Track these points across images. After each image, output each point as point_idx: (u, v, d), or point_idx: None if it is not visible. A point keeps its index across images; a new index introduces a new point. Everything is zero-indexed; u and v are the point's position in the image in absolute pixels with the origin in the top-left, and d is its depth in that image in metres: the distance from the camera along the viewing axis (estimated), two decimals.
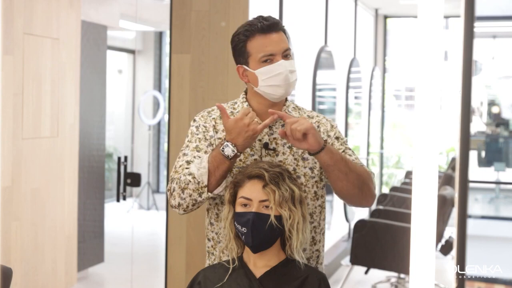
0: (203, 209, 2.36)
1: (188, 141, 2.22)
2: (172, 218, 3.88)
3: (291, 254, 2.04)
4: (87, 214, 5.55)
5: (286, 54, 2.15)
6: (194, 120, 2.26)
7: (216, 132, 2.20)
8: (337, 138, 2.23)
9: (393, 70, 11.38)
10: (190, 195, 2.06)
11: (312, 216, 2.19)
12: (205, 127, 2.22)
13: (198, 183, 2.05)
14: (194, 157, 2.15)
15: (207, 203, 2.26)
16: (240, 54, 2.18)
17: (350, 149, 2.24)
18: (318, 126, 2.22)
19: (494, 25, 9.39)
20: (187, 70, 3.85)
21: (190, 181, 2.05)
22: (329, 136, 2.22)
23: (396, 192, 6.62)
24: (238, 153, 2.04)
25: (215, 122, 2.22)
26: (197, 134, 2.21)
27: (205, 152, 2.16)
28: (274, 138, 2.18)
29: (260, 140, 2.18)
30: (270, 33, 2.14)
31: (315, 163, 2.18)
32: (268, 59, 2.13)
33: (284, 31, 2.19)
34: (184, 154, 2.18)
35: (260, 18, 2.17)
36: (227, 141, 2.03)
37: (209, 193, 2.06)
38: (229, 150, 2.02)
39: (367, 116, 8.39)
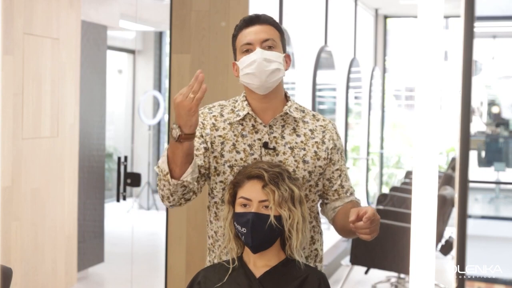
0: (203, 207, 2.36)
1: None
2: (172, 218, 3.88)
3: (291, 254, 2.04)
4: (87, 214, 5.55)
5: (267, 45, 2.14)
6: None
7: (216, 130, 2.20)
8: (341, 153, 2.27)
9: (393, 70, 11.38)
10: (164, 185, 2.07)
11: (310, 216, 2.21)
12: (202, 123, 2.21)
13: (162, 171, 2.04)
14: None
15: (207, 200, 2.26)
16: (233, 50, 2.23)
17: (345, 167, 2.29)
18: (323, 131, 2.23)
19: (494, 25, 9.39)
20: (187, 70, 3.85)
21: (158, 173, 2.07)
22: (335, 145, 2.23)
23: (396, 192, 6.62)
24: (183, 134, 1.96)
25: (215, 120, 2.21)
26: None
27: (197, 149, 2.17)
28: (274, 137, 2.18)
29: (260, 139, 2.17)
30: (253, 25, 2.16)
31: (315, 167, 2.19)
32: (248, 49, 2.15)
33: (273, 25, 2.19)
34: None
35: (249, 15, 2.21)
36: (174, 124, 1.99)
37: (176, 180, 2.03)
38: (175, 132, 1.97)
39: (367, 116, 8.39)
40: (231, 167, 2.16)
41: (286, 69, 2.20)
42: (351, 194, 2.27)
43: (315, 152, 2.19)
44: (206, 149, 2.19)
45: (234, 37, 2.21)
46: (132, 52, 9.60)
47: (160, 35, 9.77)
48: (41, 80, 4.55)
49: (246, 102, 2.21)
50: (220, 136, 2.19)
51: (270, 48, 2.15)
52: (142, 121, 8.79)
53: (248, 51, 2.15)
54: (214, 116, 2.22)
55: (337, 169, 2.24)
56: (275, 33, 2.18)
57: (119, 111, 9.56)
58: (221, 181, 2.18)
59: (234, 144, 2.17)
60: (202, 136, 2.20)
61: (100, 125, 5.72)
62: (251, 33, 2.15)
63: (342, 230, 2.22)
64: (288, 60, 2.22)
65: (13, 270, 2.83)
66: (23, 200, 4.36)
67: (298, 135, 2.19)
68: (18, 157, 4.29)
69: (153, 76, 9.70)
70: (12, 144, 4.22)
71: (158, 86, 9.78)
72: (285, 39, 2.24)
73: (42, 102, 4.56)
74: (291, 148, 2.17)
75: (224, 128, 2.19)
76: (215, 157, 2.18)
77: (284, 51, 2.21)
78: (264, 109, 2.20)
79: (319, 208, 2.33)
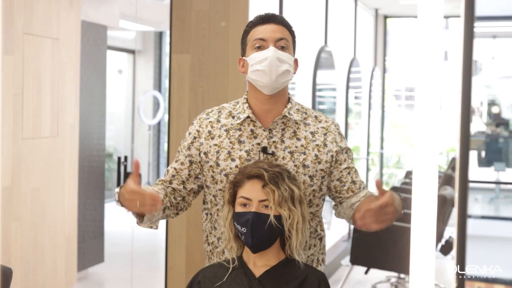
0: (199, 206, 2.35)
1: (180, 145, 2.27)
2: (172, 218, 3.87)
3: (290, 254, 2.04)
4: (87, 214, 5.54)
5: (280, 45, 2.13)
6: (192, 124, 2.26)
7: (212, 138, 2.18)
8: (347, 152, 2.23)
9: (393, 70, 11.38)
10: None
11: (309, 222, 2.19)
12: (198, 132, 2.21)
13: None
14: (172, 167, 2.24)
15: (209, 206, 2.25)
16: (242, 45, 2.20)
17: (353, 164, 2.26)
18: (325, 134, 2.20)
19: (494, 25, 9.40)
20: (187, 70, 3.85)
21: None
22: (340, 147, 2.20)
23: (396, 192, 6.61)
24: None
25: (212, 127, 2.20)
26: (185, 141, 2.24)
27: (182, 163, 2.22)
28: (274, 142, 2.15)
29: (259, 144, 2.15)
30: (269, 23, 2.15)
31: (316, 171, 2.16)
32: (261, 46, 2.13)
33: (288, 27, 2.18)
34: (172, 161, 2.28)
35: (266, 13, 2.19)
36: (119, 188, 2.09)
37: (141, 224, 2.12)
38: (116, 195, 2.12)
39: (367, 116, 8.39)
40: (226, 175, 2.14)
41: (294, 73, 2.18)
42: (364, 188, 2.24)
43: (316, 155, 2.16)
44: (191, 162, 2.21)
45: (246, 32, 2.19)
46: (132, 52, 9.60)
47: (160, 35, 9.77)
48: (41, 80, 4.54)
49: (247, 105, 2.18)
50: (215, 145, 2.17)
51: (283, 48, 2.13)
52: (142, 121, 8.79)
53: (260, 48, 2.13)
54: (210, 122, 2.21)
55: (345, 168, 2.21)
56: (289, 35, 2.17)
57: (119, 111, 9.56)
58: (220, 190, 2.17)
59: (229, 152, 2.15)
60: (189, 149, 2.21)
61: (100, 125, 5.72)
62: (266, 31, 2.14)
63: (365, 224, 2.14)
64: (295, 64, 2.20)
65: (13, 270, 2.83)
66: (23, 200, 4.36)
67: (298, 139, 2.16)
68: (18, 157, 4.29)
69: (153, 76, 9.71)
70: (12, 144, 4.22)
71: (158, 86, 9.78)
72: (296, 43, 2.22)
73: (42, 102, 4.56)
74: (291, 153, 2.15)
75: (220, 136, 2.18)
76: (211, 166, 2.17)
77: (293, 55, 2.20)
78: (265, 112, 2.17)
79: (333, 212, 2.31)
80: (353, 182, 2.22)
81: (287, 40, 2.14)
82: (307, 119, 2.21)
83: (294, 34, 2.21)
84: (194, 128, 2.23)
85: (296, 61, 2.20)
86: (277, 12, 4.95)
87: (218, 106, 2.28)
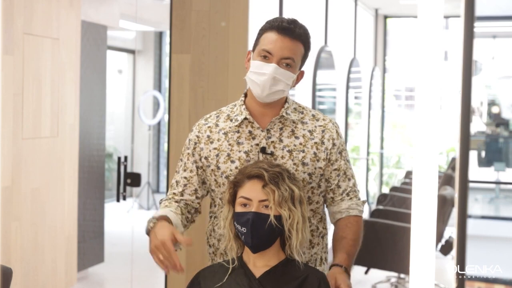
0: (205, 210, 2.36)
1: (182, 154, 2.27)
2: None
3: (290, 254, 2.04)
4: (87, 214, 5.54)
5: (285, 63, 2.10)
6: (192, 130, 2.27)
7: (211, 143, 2.20)
8: (340, 152, 2.22)
9: (393, 70, 11.38)
10: None
11: (310, 220, 2.19)
12: (197, 137, 2.22)
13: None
14: (182, 177, 2.24)
15: (215, 208, 2.26)
16: (255, 40, 2.19)
17: (350, 168, 2.25)
18: (323, 131, 2.20)
19: (494, 25, 9.40)
20: (187, 70, 3.85)
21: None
22: (334, 144, 2.19)
23: (396, 192, 6.62)
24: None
25: (210, 132, 2.21)
26: (188, 149, 2.25)
27: (191, 171, 2.22)
28: (272, 142, 2.16)
29: (257, 145, 2.16)
30: (284, 36, 2.10)
31: (315, 169, 2.17)
32: (266, 56, 2.11)
33: (303, 42, 2.14)
34: (176, 172, 2.27)
35: (288, 19, 2.15)
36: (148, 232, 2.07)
37: None
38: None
39: (367, 116, 8.39)
40: (227, 177, 2.16)
41: (293, 86, 2.17)
42: (348, 194, 2.23)
43: (315, 153, 2.17)
44: (198, 167, 2.23)
45: (262, 31, 2.15)
46: (132, 52, 9.60)
47: (160, 35, 9.77)
48: (41, 80, 4.54)
49: (244, 106, 2.19)
50: (215, 148, 2.19)
51: (286, 66, 2.11)
52: (142, 121, 8.80)
53: (265, 58, 2.11)
54: (209, 127, 2.22)
55: (335, 169, 2.21)
56: (300, 51, 2.13)
57: (119, 111, 9.56)
58: (224, 192, 2.17)
59: (228, 154, 2.17)
60: (193, 155, 2.23)
61: (100, 125, 5.72)
62: (277, 44, 2.09)
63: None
64: (300, 76, 2.19)
65: (13, 270, 2.83)
66: (23, 200, 4.36)
67: (296, 137, 2.17)
68: (18, 157, 4.29)
69: (153, 76, 9.71)
70: (12, 144, 4.22)
71: (158, 86, 9.78)
72: (308, 55, 2.19)
73: (42, 102, 4.56)
74: (290, 151, 2.15)
75: (219, 140, 2.19)
76: (212, 170, 2.19)
77: (302, 66, 2.18)
78: (263, 113, 2.19)
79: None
80: (338, 186, 2.22)
81: (293, 60, 2.11)
82: (304, 118, 2.22)
83: (309, 46, 2.18)
84: (193, 134, 2.24)
85: (302, 73, 2.20)
86: (277, 12, 4.94)
87: (216, 110, 2.28)
